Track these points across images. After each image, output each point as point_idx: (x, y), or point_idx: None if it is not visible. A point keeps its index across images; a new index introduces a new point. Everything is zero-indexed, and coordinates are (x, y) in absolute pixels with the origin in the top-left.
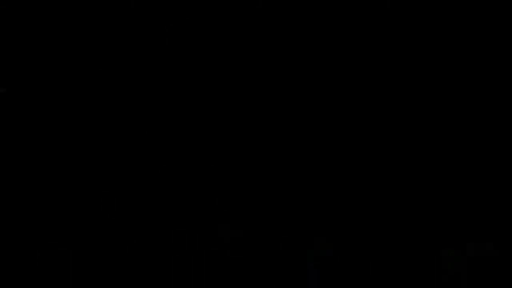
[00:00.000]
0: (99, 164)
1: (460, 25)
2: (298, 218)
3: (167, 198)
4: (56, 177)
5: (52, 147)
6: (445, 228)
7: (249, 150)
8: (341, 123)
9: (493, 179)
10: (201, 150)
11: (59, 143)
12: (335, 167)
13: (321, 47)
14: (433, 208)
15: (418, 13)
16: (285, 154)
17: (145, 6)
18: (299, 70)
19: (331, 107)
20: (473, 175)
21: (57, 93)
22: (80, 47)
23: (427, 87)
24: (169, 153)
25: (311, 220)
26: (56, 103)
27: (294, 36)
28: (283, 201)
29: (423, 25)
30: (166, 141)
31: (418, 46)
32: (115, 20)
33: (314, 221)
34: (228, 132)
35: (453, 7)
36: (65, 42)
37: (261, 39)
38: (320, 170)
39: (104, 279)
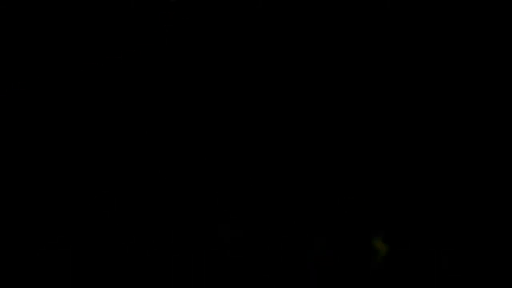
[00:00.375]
0: (99, 164)
1: (460, 25)
2: (298, 218)
3: (167, 198)
4: (56, 177)
5: (52, 147)
6: (445, 229)
7: (249, 150)
8: (341, 123)
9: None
10: (201, 150)
11: (59, 143)
12: (335, 167)
13: (321, 47)
14: (435, 208)
15: (418, 13)
16: (285, 154)
17: (145, 6)
18: (298, 70)
19: (330, 107)
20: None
21: (56, 92)
22: (80, 46)
23: (427, 87)
24: (169, 153)
25: (311, 220)
26: (56, 102)
27: (294, 36)
28: (283, 201)
29: (423, 25)
30: (166, 141)
31: (418, 46)
32: (115, 19)
33: (314, 221)
34: (227, 132)
35: (453, 7)
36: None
37: (261, 39)
38: (320, 170)
39: (104, 279)
